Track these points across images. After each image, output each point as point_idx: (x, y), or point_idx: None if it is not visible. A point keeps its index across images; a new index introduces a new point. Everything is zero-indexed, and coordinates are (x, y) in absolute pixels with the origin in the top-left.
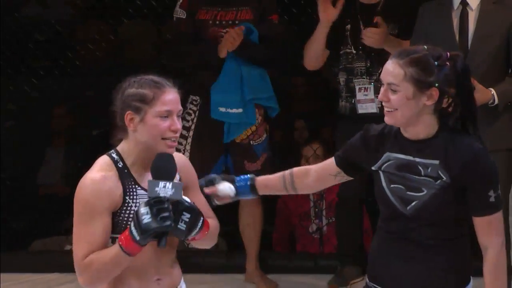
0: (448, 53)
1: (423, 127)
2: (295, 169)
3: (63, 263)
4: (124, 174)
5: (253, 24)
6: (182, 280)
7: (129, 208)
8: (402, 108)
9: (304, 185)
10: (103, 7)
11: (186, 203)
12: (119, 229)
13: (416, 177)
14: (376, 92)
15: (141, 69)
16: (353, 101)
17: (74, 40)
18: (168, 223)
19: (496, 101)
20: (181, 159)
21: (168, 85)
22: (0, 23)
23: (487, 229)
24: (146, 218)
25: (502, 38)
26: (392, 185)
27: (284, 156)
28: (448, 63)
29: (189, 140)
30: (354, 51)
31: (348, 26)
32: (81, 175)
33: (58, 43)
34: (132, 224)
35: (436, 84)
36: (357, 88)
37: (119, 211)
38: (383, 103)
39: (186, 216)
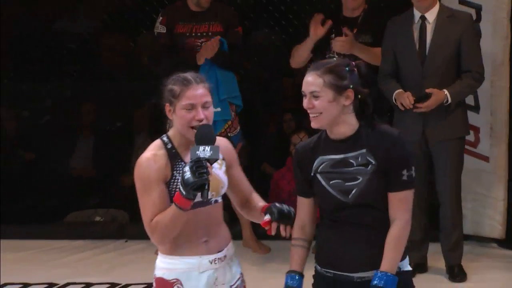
0: (353, 62)
1: (346, 126)
2: (296, 232)
3: (92, 232)
4: (172, 154)
5: (223, 35)
6: (231, 243)
7: (176, 180)
8: (325, 111)
9: (313, 230)
10: (123, 20)
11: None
12: (170, 198)
13: (351, 169)
14: None
15: (153, 73)
16: None
17: (99, 48)
18: (204, 177)
19: (450, 100)
20: (223, 141)
21: (196, 81)
22: (39, 34)
23: (398, 204)
24: (187, 175)
25: (455, 46)
26: (331, 182)
27: (276, 144)
28: (355, 68)
29: None
30: (336, 56)
31: (333, 36)
32: (107, 160)
33: (86, 50)
34: (179, 183)
35: (351, 86)
36: None
37: (168, 183)
38: (308, 111)
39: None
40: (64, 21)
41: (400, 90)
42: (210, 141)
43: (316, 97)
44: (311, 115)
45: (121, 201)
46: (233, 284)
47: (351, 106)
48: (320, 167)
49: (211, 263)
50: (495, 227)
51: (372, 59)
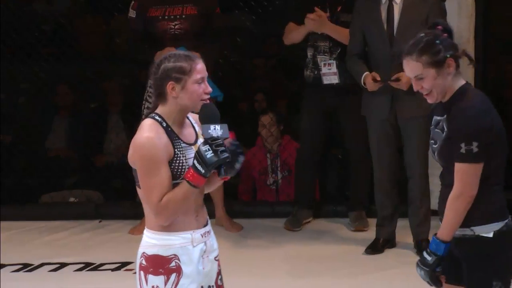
0: (440, 26)
1: (453, 89)
2: None
3: (67, 213)
4: (169, 132)
5: (197, 17)
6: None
7: (178, 158)
8: (435, 88)
9: None
10: (98, 2)
11: (237, 147)
12: (174, 176)
13: (438, 131)
14: (337, 67)
15: (129, 55)
16: (316, 72)
17: (74, 30)
18: (226, 155)
19: None
20: (195, 116)
21: (196, 57)
22: (14, 16)
23: (456, 174)
24: (209, 154)
25: (422, 26)
26: (431, 140)
27: (246, 122)
28: (444, 34)
29: None
30: (319, 33)
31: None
32: (83, 140)
33: (61, 32)
34: (195, 161)
35: (448, 55)
36: (322, 64)
37: (170, 161)
38: (422, 91)
39: (241, 158)
40: (39, 3)
41: (367, 72)
42: (217, 119)
43: (421, 79)
44: (424, 94)
45: (95, 181)
46: (216, 256)
47: (453, 72)
48: (431, 126)
49: (202, 236)
50: None
51: (344, 39)
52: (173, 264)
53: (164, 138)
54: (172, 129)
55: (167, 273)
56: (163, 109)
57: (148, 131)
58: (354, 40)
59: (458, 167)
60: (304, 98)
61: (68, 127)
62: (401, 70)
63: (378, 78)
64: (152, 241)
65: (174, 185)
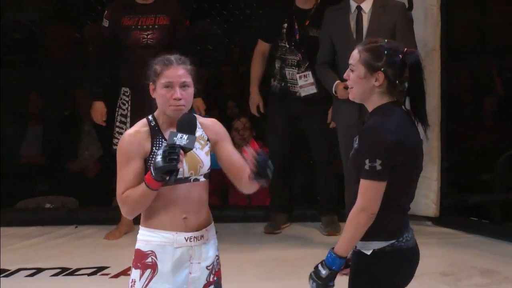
0: (405, 49)
1: (370, 106)
2: None
3: (42, 218)
4: (155, 131)
5: (169, 28)
6: (212, 226)
7: (154, 156)
8: (356, 86)
9: None
10: (68, 11)
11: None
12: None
13: (355, 140)
14: (313, 76)
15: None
16: (283, 84)
17: (45, 38)
18: (173, 163)
19: None
20: (208, 121)
21: (177, 62)
22: None
23: (359, 189)
24: (158, 158)
25: (389, 34)
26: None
27: None
28: (400, 55)
29: (128, 125)
30: (287, 46)
31: (285, 25)
32: (55, 147)
33: (32, 41)
34: (151, 163)
35: (382, 69)
36: (297, 76)
37: (148, 158)
38: (347, 82)
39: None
40: (9, 11)
41: (338, 81)
42: (190, 130)
43: (352, 70)
44: (349, 87)
45: (70, 187)
46: (209, 265)
47: (380, 88)
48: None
49: (187, 240)
50: (429, 206)
51: None
52: (149, 260)
53: (145, 135)
54: (160, 129)
55: (143, 268)
56: (158, 109)
57: (132, 128)
58: (324, 49)
59: (362, 182)
60: (269, 105)
61: (41, 134)
62: None
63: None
64: (139, 236)
65: None
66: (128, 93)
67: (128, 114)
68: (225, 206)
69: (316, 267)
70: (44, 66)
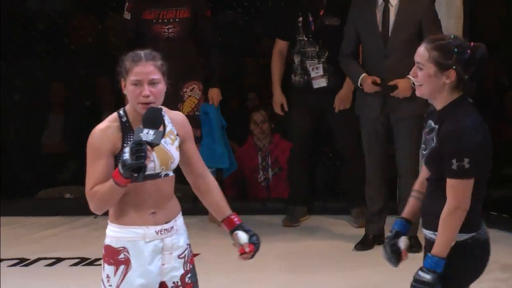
0: (472, 43)
1: (440, 102)
2: (416, 185)
3: (62, 208)
4: (126, 127)
5: (190, 20)
6: (180, 216)
7: (122, 154)
8: (426, 84)
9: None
10: (91, 1)
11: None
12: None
13: (429, 138)
14: (325, 71)
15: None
16: (306, 78)
17: (68, 28)
18: (141, 161)
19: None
20: (177, 116)
21: (146, 58)
22: (9, 14)
23: (448, 190)
24: (126, 155)
25: (416, 27)
26: (422, 145)
27: (238, 121)
28: (468, 51)
29: None
30: (306, 39)
31: (300, 19)
32: (78, 137)
33: (55, 30)
34: (119, 160)
35: (454, 67)
36: (310, 68)
37: (118, 155)
38: (413, 79)
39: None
40: (33, 1)
41: (365, 74)
42: (156, 125)
43: (420, 68)
44: (416, 84)
45: None
46: (181, 254)
47: (451, 84)
48: (425, 129)
49: (157, 233)
50: None
51: None
52: (122, 256)
53: (115, 131)
54: (131, 125)
55: (117, 264)
56: (128, 104)
57: (102, 123)
58: (348, 40)
59: (450, 183)
60: (290, 100)
61: (63, 124)
62: (394, 69)
63: (379, 81)
64: (108, 232)
65: None
66: None
67: None
68: (246, 198)
69: (418, 275)
70: (67, 56)
